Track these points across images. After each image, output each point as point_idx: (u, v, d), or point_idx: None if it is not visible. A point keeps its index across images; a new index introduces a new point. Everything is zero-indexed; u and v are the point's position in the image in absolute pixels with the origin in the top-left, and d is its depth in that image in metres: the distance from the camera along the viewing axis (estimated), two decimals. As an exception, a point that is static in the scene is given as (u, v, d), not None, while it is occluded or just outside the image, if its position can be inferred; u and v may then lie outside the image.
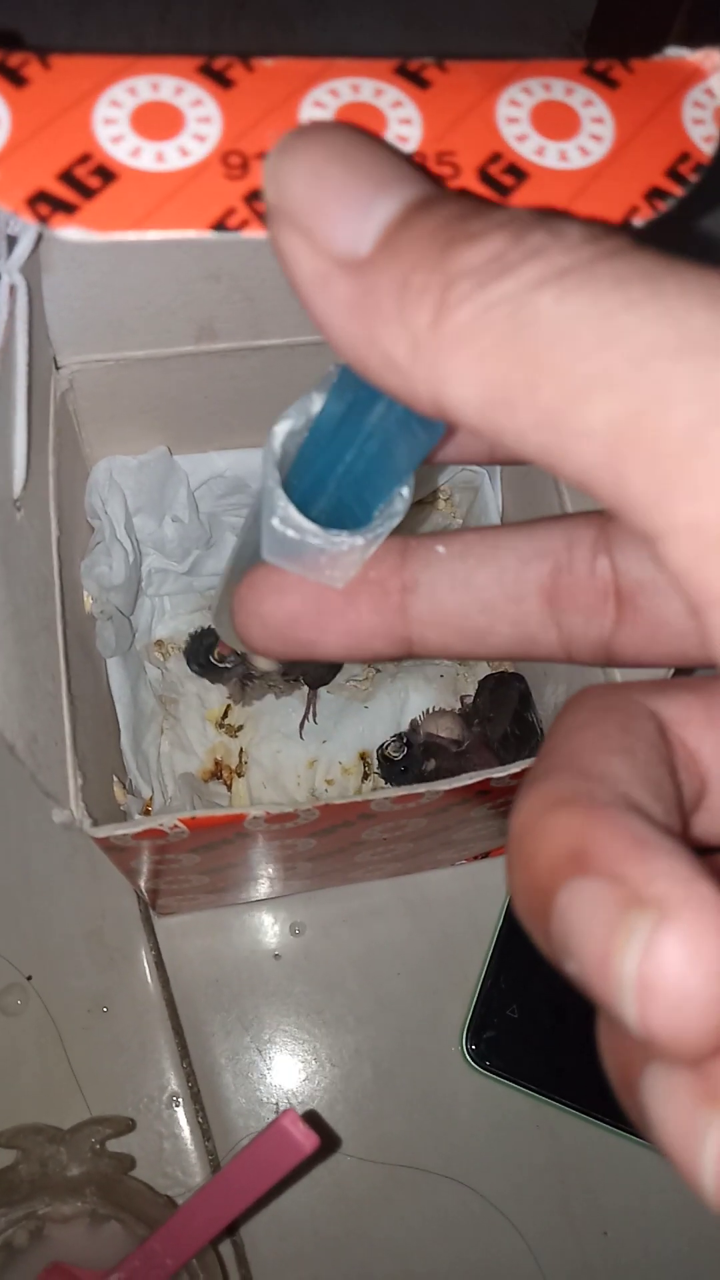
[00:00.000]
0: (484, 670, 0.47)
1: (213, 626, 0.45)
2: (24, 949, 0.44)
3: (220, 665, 0.45)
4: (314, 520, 0.18)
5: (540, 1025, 0.43)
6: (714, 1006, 0.10)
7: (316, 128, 0.14)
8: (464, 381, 0.11)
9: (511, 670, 0.46)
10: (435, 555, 0.18)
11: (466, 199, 0.13)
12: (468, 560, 0.18)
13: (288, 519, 0.18)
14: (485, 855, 0.46)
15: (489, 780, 0.32)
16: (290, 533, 0.18)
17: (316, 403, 0.18)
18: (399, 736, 0.44)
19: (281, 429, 0.18)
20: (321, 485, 0.18)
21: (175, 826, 0.30)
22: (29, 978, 0.43)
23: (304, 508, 0.18)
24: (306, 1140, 0.29)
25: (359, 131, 0.14)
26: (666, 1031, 0.11)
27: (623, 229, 0.12)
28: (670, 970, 0.10)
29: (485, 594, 0.17)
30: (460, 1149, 0.42)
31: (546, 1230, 0.41)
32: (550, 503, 0.39)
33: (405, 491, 0.19)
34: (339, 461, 0.18)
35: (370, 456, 0.18)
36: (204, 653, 0.44)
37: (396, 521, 0.18)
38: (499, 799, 0.35)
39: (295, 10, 0.73)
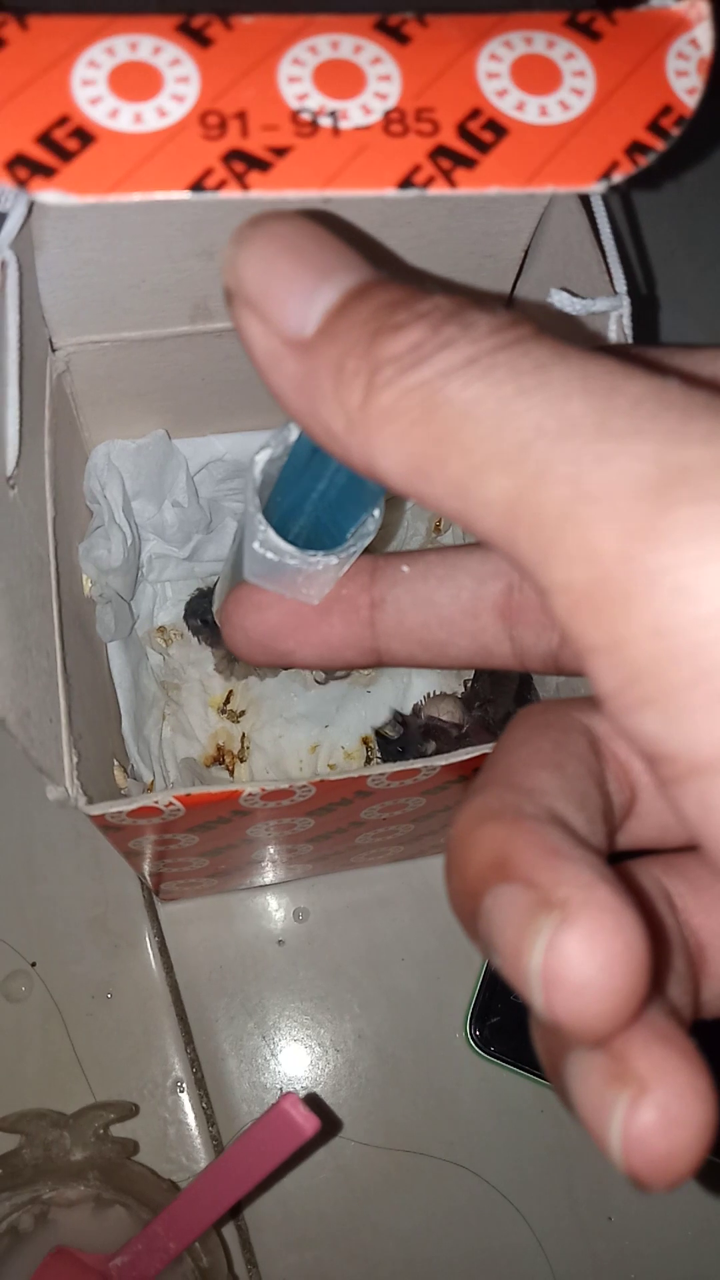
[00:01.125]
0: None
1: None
2: (28, 935, 0.44)
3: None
4: (292, 540, 0.19)
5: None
6: (609, 995, 0.12)
7: (270, 218, 0.15)
8: (388, 455, 0.13)
9: None
10: (400, 574, 0.20)
11: (397, 285, 0.14)
12: (429, 580, 0.19)
13: (267, 542, 0.19)
14: (489, 840, 0.46)
15: (485, 757, 0.32)
16: (269, 555, 0.19)
17: (294, 432, 0.19)
18: (395, 714, 0.44)
19: (261, 458, 0.20)
20: (298, 510, 0.20)
21: (171, 804, 0.30)
22: (33, 964, 0.43)
23: (282, 529, 0.20)
24: (307, 1123, 0.29)
25: (308, 221, 0.15)
26: (568, 1017, 0.12)
27: (528, 318, 0.14)
28: (569, 963, 0.12)
29: (445, 610, 0.19)
30: (464, 1134, 0.42)
31: (551, 1215, 0.41)
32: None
33: (376, 513, 0.20)
34: (313, 489, 0.19)
35: (340, 486, 0.19)
36: (209, 609, 0.44)
37: (366, 543, 0.20)
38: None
39: None
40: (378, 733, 0.44)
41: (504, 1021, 0.42)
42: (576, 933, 0.12)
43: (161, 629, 0.46)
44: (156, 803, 0.30)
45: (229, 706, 0.46)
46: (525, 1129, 0.42)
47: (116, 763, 0.40)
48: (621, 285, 0.29)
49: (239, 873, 0.41)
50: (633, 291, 0.29)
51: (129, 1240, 0.36)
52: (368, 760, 0.47)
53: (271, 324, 0.15)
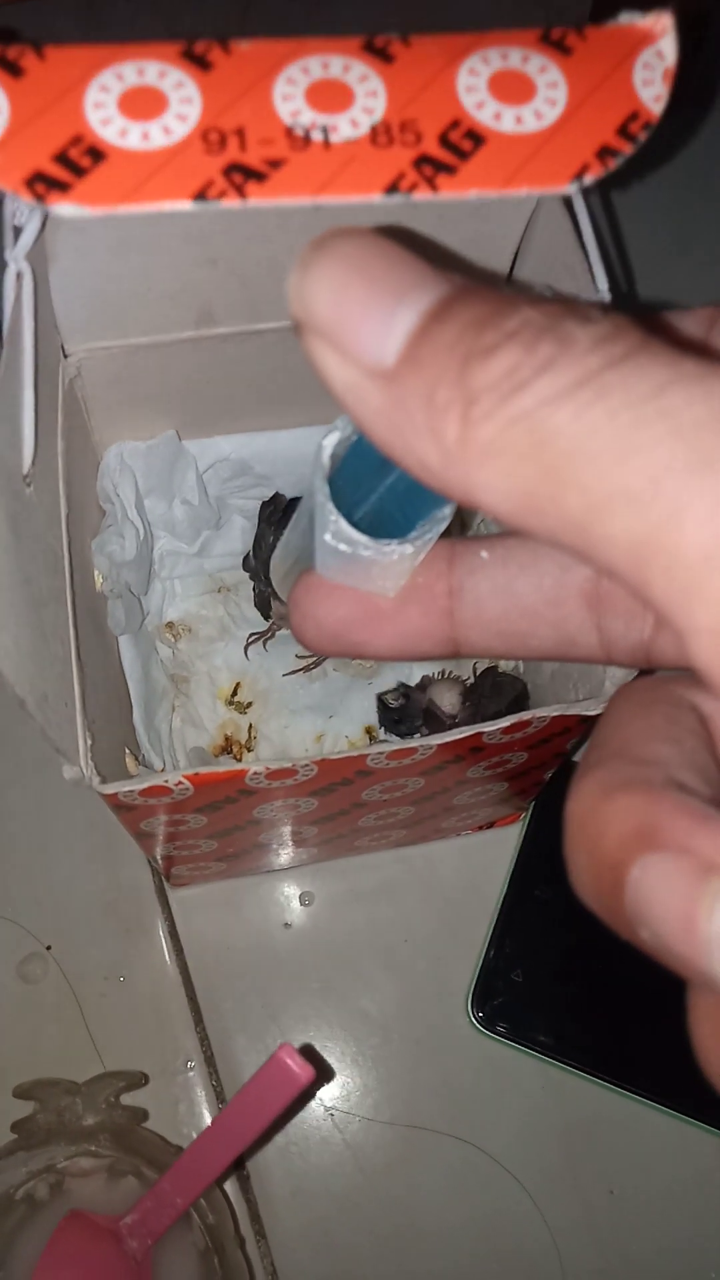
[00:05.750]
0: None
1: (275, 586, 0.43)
2: (43, 920, 0.45)
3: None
4: (360, 525, 0.18)
5: (545, 989, 0.44)
6: None
7: (335, 239, 0.14)
8: (493, 490, 0.12)
9: (514, 674, 0.47)
10: (479, 561, 0.18)
11: (479, 299, 0.13)
12: (509, 566, 0.18)
13: (339, 533, 0.18)
14: (489, 825, 0.48)
15: (481, 735, 0.33)
16: (342, 546, 0.18)
17: None
18: (401, 685, 0.45)
19: (329, 442, 0.18)
20: (367, 496, 0.18)
21: (180, 783, 0.32)
22: (48, 947, 0.45)
23: (350, 514, 0.18)
24: (303, 1071, 0.30)
25: (375, 237, 0.14)
26: None
27: (628, 318, 0.12)
28: None
29: (527, 599, 0.18)
30: (467, 1109, 0.43)
31: (553, 1189, 0.42)
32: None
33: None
34: (385, 478, 0.18)
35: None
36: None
37: (443, 528, 0.19)
38: (492, 757, 0.36)
39: (298, 15, 0.75)
40: (380, 700, 0.45)
41: (505, 1000, 0.44)
42: None
43: (170, 624, 0.48)
44: (166, 782, 0.31)
45: (236, 698, 0.48)
46: (527, 1104, 0.43)
47: (128, 751, 0.41)
48: (604, 284, 0.30)
49: (247, 856, 0.43)
50: (614, 289, 0.30)
51: (139, 1200, 0.37)
52: (371, 750, 0.48)
53: (349, 354, 0.14)
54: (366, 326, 0.13)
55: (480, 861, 0.47)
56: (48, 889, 0.46)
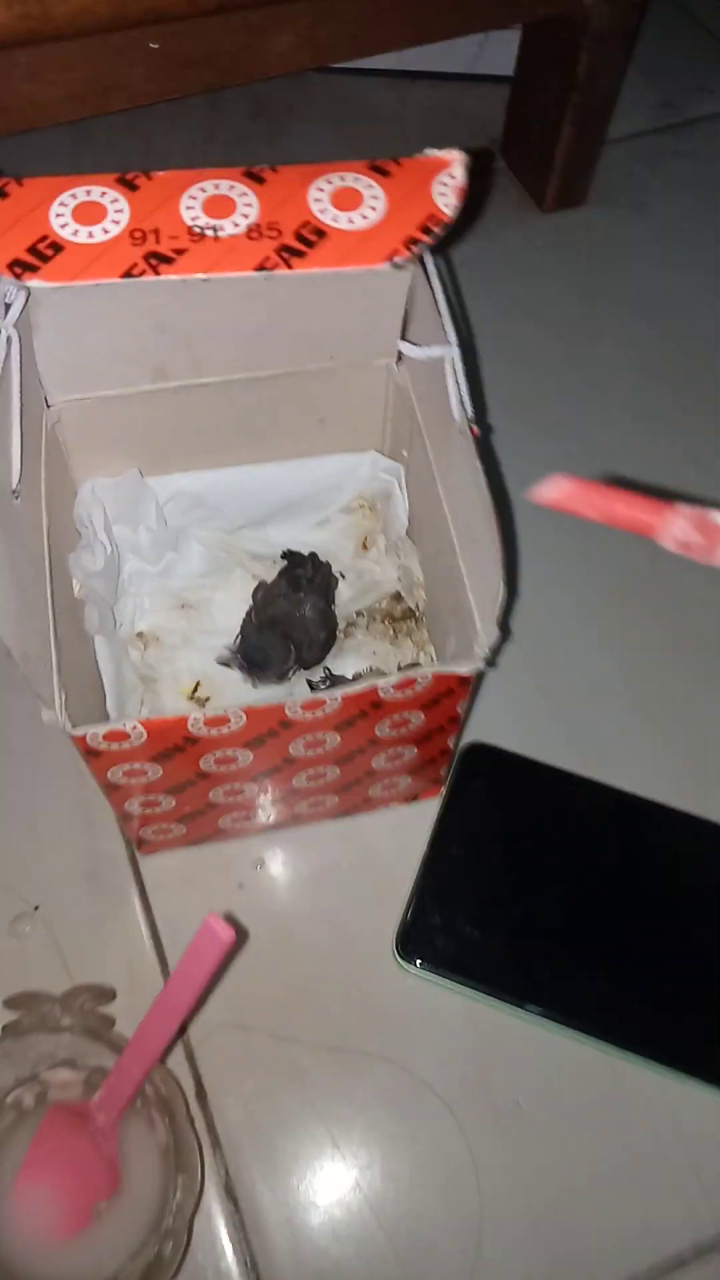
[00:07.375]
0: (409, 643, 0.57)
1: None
2: (31, 885, 0.53)
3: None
4: None
5: (458, 930, 0.52)
6: None
7: None
8: None
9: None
10: None
11: None
12: None
13: None
14: (415, 798, 0.56)
15: (376, 690, 0.42)
16: None
17: None
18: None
19: None
20: None
21: (135, 727, 0.40)
22: (36, 907, 0.53)
23: None
24: (225, 933, 0.37)
25: None
26: None
27: None
28: None
29: None
30: (394, 1034, 0.50)
31: (467, 1100, 0.49)
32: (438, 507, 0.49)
33: None
34: None
35: None
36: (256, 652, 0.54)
37: None
38: (393, 714, 0.44)
39: (257, 137, 0.88)
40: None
41: (426, 941, 0.51)
42: None
43: (140, 634, 0.57)
44: (123, 726, 0.40)
45: (196, 695, 0.56)
46: (446, 1028, 0.50)
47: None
48: (453, 337, 0.40)
49: (202, 818, 0.51)
50: (461, 343, 0.40)
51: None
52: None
53: None
54: None
55: (405, 827, 0.55)
56: (36, 858, 0.54)
